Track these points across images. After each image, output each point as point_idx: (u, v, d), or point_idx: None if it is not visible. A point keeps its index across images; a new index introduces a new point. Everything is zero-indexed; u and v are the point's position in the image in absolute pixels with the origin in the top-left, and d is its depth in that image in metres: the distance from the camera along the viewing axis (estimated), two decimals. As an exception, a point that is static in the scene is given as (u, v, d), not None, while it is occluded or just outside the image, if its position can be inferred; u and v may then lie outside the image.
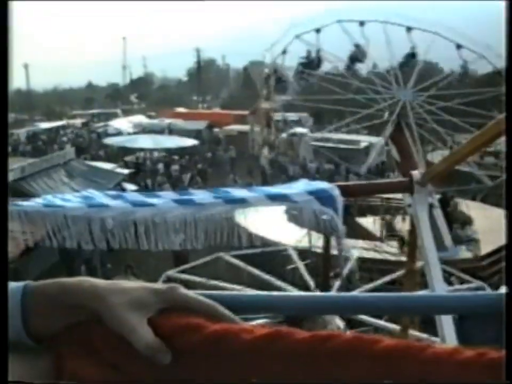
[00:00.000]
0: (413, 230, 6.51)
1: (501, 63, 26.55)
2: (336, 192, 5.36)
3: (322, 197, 5.28)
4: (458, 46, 26.57)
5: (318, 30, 27.29)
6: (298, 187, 6.00)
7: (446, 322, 4.75)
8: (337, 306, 1.15)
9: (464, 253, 19.52)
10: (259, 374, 0.81)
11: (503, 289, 1.06)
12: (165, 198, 5.70)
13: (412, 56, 27.94)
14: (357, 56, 27.65)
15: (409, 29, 26.90)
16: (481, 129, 5.10)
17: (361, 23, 26.91)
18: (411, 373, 0.76)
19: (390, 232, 20.73)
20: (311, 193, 5.31)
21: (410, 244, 7.10)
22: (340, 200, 5.39)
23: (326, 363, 0.79)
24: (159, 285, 0.92)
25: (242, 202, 5.55)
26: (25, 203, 5.36)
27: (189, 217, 5.50)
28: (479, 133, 5.18)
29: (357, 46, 27.37)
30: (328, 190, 5.34)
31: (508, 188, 0.89)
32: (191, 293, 0.92)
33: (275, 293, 1.08)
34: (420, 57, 28.17)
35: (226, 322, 0.88)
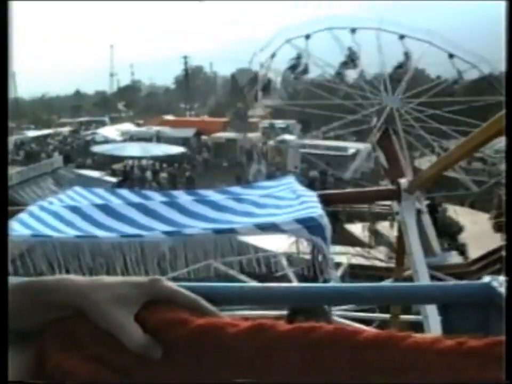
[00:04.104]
0: (401, 237, 6.53)
1: (486, 69, 26.71)
2: (325, 221, 5.33)
3: (311, 226, 5.26)
4: (451, 56, 26.58)
5: (307, 36, 27.14)
6: (285, 192, 6.01)
7: (431, 311, 4.78)
8: (322, 296, 1.17)
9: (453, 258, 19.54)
10: (244, 367, 0.82)
11: (485, 279, 1.08)
12: (152, 218, 5.68)
13: (405, 64, 27.78)
14: (349, 62, 27.50)
15: (402, 37, 26.85)
16: (468, 136, 5.14)
17: (353, 30, 26.83)
18: (392, 361, 0.77)
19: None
20: (299, 221, 5.28)
21: (398, 250, 7.13)
22: (329, 228, 5.38)
23: (309, 354, 0.80)
24: (141, 278, 0.92)
25: (231, 232, 5.54)
26: (13, 233, 5.26)
27: (178, 247, 5.49)
28: (466, 140, 5.21)
29: (350, 52, 27.27)
30: (317, 219, 5.30)
31: (508, 188, 0.90)
32: (174, 285, 0.92)
33: (258, 284, 1.10)
34: (412, 64, 28.11)
35: (209, 316, 0.89)
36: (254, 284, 1.09)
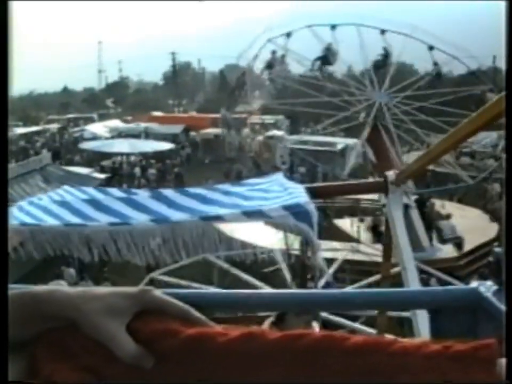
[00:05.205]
0: (388, 230, 6.56)
1: (474, 64, 26.81)
2: (311, 207, 5.34)
3: (298, 212, 5.26)
4: (431, 48, 26.56)
5: (288, 34, 27.03)
6: (273, 186, 6.02)
7: (421, 318, 4.81)
8: (312, 302, 1.17)
9: (441, 252, 19.60)
10: (235, 376, 0.82)
11: (473, 284, 1.10)
12: (141, 211, 5.69)
13: (385, 57, 27.62)
14: (327, 57, 27.28)
15: (383, 32, 26.76)
16: (452, 130, 5.17)
17: (333, 27, 26.77)
18: (381, 366, 0.79)
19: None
20: (286, 208, 5.28)
21: (385, 243, 7.15)
22: (315, 215, 5.38)
23: (298, 361, 0.81)
24: (131, 288, 0.93)
25: (218, 219, 5.54)
26: None
27: (167, 232, 5.50)
28: (450, 134, 5.25)
29: (328, 48, 27.08)
30: (303, 205, 5.31)
31: (508, 185, 0.91)
32: (163, 295, 0.93)
33: (248, 291, 1.10)
34: (393, 58, 28.03)
35: (200, 325, 0.90)
36: (244, 290, 1.09)
